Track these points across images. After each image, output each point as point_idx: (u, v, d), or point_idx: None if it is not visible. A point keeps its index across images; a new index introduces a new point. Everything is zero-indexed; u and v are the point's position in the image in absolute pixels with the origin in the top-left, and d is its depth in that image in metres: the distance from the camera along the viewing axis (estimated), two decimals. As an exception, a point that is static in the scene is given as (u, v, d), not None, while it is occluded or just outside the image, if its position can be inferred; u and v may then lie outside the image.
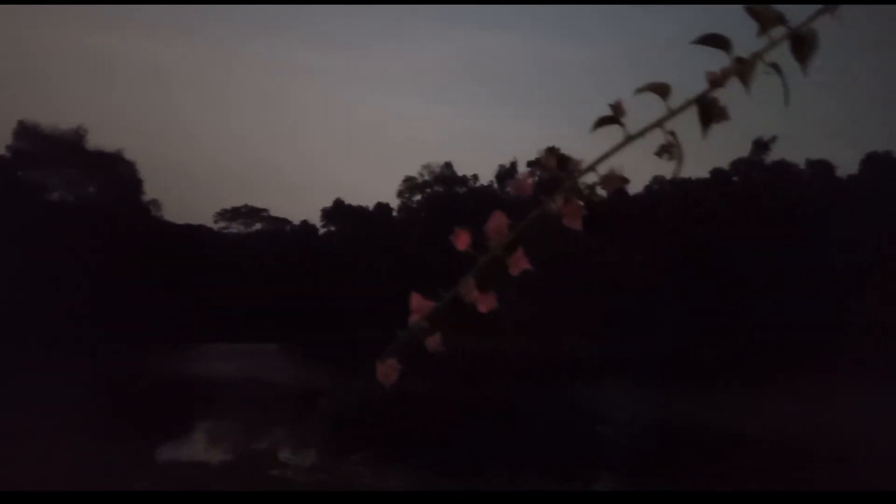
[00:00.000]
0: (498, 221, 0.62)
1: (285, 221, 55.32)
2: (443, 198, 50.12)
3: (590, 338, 37.15)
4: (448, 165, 51.56)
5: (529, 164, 48.81)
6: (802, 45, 0.59)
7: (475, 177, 51.88)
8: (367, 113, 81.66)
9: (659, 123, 0.62)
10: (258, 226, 55.17)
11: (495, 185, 50.38)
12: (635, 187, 45.59)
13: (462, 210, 42.42)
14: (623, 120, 0.65)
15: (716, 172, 45.06)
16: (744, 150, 45.57)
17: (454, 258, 0.64)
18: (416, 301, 0.65)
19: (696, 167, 44.26)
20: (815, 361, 29.88)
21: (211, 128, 78.56)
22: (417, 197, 52.24)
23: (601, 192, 0.63)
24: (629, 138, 0.61)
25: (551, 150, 0.60)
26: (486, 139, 76.55)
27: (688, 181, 43.11)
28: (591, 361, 32.38)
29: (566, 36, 77.82)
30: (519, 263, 0.62)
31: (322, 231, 53.68)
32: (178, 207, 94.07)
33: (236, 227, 55.07)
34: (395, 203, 53.02)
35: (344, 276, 46.63)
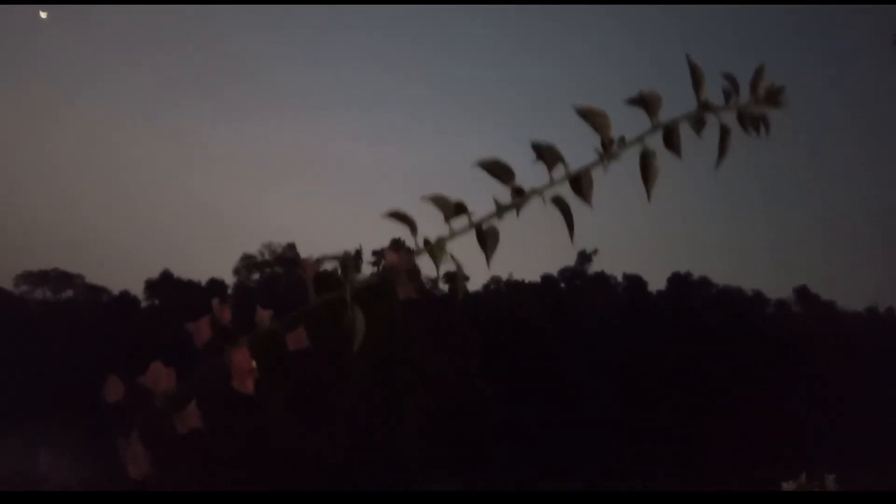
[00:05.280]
0: (157, 373, 0.60)
1: (102, 290, 51.62)
2: (283, 279, 49.25)
3: (413, 433, 37.96)
4: (291, 246, 50.88)
5: (375, 252, 49.29)
6: (485, 238, 0.66)
7: (319, 260, 51.63)
8: (209, 186, 79.51)
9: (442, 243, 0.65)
10: (69, 293, 51.04)
11: (339, 270, 50.26)
12: (474, 285, 48.00)
13: (303, 293, 42.07)
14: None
15: (545, 278, 49.53)
16: (571, 259, 50.67)
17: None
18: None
19: (530, 272, 47.98)
20: (618, 457, 33.44)
21: (18, 178, 72.87)
22: (256, 276, 50.86)
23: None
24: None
25: (224, 300, 0.61)
26: (332, 225, 76.73)
27: (521, 283, 47.44)
28: (413, 457, 32.79)
29: (415, 135, 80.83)
30: (189, 421, 0.60)
31: (145, 304, 50.56)
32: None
33: (42, 293, 50.61)
34: (230, 280, 51.19)
35: (165, 356, 43.88)
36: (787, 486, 3.68)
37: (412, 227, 0.69)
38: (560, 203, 0.68)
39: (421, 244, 0.69)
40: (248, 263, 50.09)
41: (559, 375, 43.56)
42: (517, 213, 0.69)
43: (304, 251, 56.72)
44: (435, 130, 78.62)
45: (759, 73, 0.71)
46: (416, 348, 40.73)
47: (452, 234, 0.68)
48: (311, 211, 76.18)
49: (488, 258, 0.69)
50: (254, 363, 0.63)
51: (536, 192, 0.68)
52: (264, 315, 0.66)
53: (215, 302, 0.64)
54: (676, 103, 0.72)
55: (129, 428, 0.62)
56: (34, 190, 73.38)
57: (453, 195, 0.70)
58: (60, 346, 43.19)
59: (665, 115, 0.69)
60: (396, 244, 0.69)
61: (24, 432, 34.50)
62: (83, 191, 75.83)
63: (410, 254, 0.67)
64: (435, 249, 0.68)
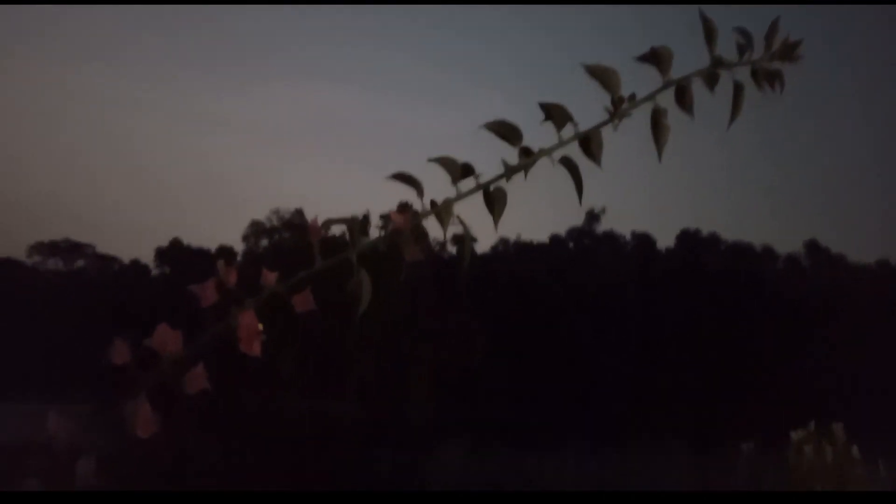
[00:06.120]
0: (164, 335, 0.59)
1: (113, 260, 52.01)
2: (291, 245, 49.44)
3: (425, 402, 38.21)
4: (299, 212, 51.01)
5: (382, 216, 49.39)
6: (492, 200, 0.65)
7: (325, 223, 51.76)
8: (217, 154, 79.40)
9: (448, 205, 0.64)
10: (81, 263, 51.44)
11: (346, 235, 50.63)
12: (482, 247, 47.75)
13: (310, 257, 42.52)
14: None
15: (554, 238, 49.49)
16: (579, 219, 50.38)
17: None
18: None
19: (538, 232, 47.80)
20: (640, 422, 33.43)
21: (31, 151, 72.96)
22: (264, 242, 51.11)
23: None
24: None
25: (230, 263, 0.60)
26: (340, 190, 76.63)
27: (529, 244, 47.39)
28: (427, 426, 33.06)
29: (418, 94, 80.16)
30: (197, 382, 0.60)
31: (155, 272, 50.95)
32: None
33: (54, 264, 51.03)
34: (239, 247, 51.50)
35: (176, 323, 44.26)
36: (796, 435, 3.71)
37: (418, 188, 0.68)
38: (568, 163, 0.67)
39: (428, 206, 0.68)
40: (256, 229, 50.33)
41: (569, 336, 43.89)
42: (525, 175, 0.68)
43: (312, 216, 56.59)
44: (443, 92, 77.95)
45: (773, 27, 0.69)
46: (424, 310, 40.89)
47: (459, 196, 0.67)
48: (318, 176, 76.05)
49: (496, 221, 0.68)
50: (260, 326, 0.63)
51: (545, 152, 0.67)
52: (270, 277, 0.65)
53: (220, 264, 0.64)
54: (688, 62, 0.71)
55: (137, 390, 0.62)
56: (43, 161, 73.52)
57: (462, 157, 0.69)
58: (73, 316, 43.66)
59: (676, 73, 0.68)
60: (403, 206, 0.69)
61: (37, 399, 35.06)
62: (92, 161, 75.89)
63: (417, 215, 0.67)
64: (442, 211, 0.67)
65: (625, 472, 20.53)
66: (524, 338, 43.81)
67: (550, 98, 0.69)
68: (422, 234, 0.67)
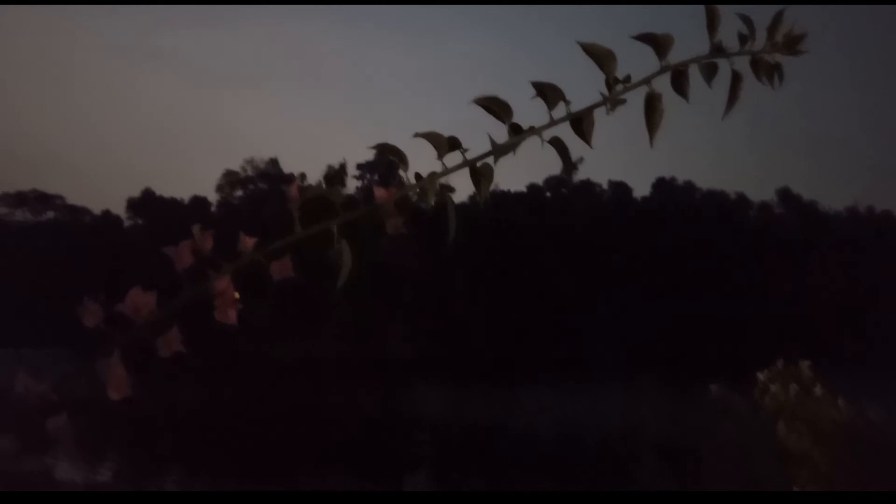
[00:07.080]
0: (136, 299, 0.58)
1: (84, 211, 51.33)
2: (266, 195, 49.06)
3: (406, 340, 38.71)
4: (274, 162, 50.61)
5: (359, 166, 48.87)
6: (479, 176, 0.65)
7: (302, 175, 51.17)
8: (186, 102, 78.04)
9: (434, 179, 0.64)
10: (50, 214, 50.70)
11: (323, 186, 50.92)
12: (460, 196, 47.90)
13: (288, 217, 42.64)
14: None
15: (531, 187, 50.44)
16: (556, 168, 51.27)
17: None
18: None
19: (515, 181, 48.76)
20: (612, 365, 34.59)
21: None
22: (239, 192, 50.69)
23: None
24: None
25: (204, 229, 0.59)
26: (315, 138, 75.90)
27: (507, 193, 48.57)
28: (407, 363, 33.54)
29: (400, 42, 79.32)
30: (171, 345, 0.59)
31: (128, 224, 50.41)
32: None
33: (22, 215, 50.22)
34: (213, 197, 51.06)
35: (151, 275, 43.95)
36: (763, 374, 3.81)
37: (403, 160, 0.67)
38: (558, 144, 0.67)
39: (412, 178, 0.67)
40: (230, 180, 49.82)
41: (547, 283, 44.66)
42: (514, 153, 0.67)
43: (287, 164, 55.83)
44: (425, 36, 76.88)
45: (778, 18, 0.68)
46: (403, 259, 41.05)
47: (445, 172, 0.67)
48: (293, 121, 74.98)
49: (481, 196, 0.68)
50: (237, 294, 0.62)
51: (535, 131, 0.66)
52: (248, 243, 0.64)
53: (196, 228, 0.62)
54: (686, 48, 0.70)
55: (110, 350, 0.61)
56: (7, 110, 71.72)
57: (440, 105, 0.68)
58: (44, 268, 43.10)
59: (674, 57, 0.67)
60: (386, 180, 0.68)
61: (6, 354, 34.65)
62: (59, 108, 74.18)
63: (402, 187, 0.66)
64: (426, 185, 0.67)
65: (598, 407, 20.92)
66: (502, 279, 44.38)
67: (539, 73, 0.69)
68: (405, 206, 0.66)
